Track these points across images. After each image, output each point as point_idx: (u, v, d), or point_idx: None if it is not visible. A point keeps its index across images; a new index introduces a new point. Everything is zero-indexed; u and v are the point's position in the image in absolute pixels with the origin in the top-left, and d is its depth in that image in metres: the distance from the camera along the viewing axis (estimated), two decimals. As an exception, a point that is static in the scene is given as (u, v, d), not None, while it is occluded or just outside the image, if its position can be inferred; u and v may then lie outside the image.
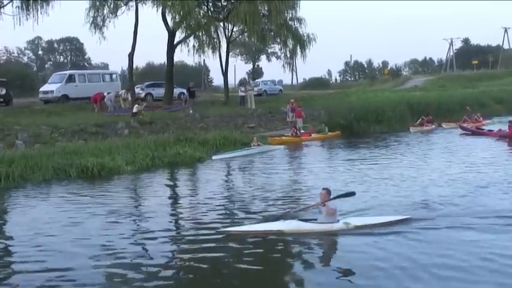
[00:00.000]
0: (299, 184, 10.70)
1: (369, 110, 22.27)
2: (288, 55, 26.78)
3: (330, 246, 6.76)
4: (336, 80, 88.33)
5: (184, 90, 24.81)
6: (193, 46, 24.11)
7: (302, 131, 19.58)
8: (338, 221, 7.08)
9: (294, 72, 50.26)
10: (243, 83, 29.39)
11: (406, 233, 6.91)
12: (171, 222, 8.20)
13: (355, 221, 7.16)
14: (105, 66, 66.70)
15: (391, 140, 19.36)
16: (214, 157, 14.83)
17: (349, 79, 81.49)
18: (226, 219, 8.02)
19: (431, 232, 6.95)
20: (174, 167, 14.14)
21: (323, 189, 7.24)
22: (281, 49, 27.91)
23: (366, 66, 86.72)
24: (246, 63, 62.49)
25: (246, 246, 6.65)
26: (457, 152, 14.69)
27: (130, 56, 24.81)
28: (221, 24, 26.38)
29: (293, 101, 22.34)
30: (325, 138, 20.18)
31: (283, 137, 19.44)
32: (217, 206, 9.03)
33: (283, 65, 27.65)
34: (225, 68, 28.54)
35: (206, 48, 23.65)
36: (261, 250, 6.53)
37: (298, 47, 26.26)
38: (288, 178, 11.46)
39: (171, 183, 11.78)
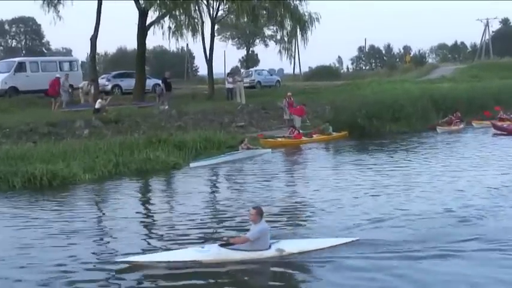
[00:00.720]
0: (286, 199, 10.70)
1: (384, 106, 22.33)
2: (286, 39, 26.85)
3: (256, 279, 6.51)
4: (347, 68, 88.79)
5: (160, 82, 24.84)
6: (169, 28, 24.10)
7: (297, 132, 19.65)
8: (270, 246, 6.86)
9: (293, 59, 50.42)
10: (232, 72, 29.44)
11: (352, 259, 6.87)
12: (118, 243, 8.06)
13: (291, 246, 6.95)
14: (68, 52, 66.52)
15: (411, 141, 19.41)
16: (192, 164, 14.82)
17: (364, 68, 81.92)
18: (183, 241, 7.88)
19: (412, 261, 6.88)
20: (143, 176, 14.11)
21: (253, 208, 6.96)
22: (277, 31, 27.96)
23: (384, 52, 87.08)
24: (238, 48, 62.62)
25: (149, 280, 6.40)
26: (491, 157, 15.00)
27: (93, 39, 24.75)
28: (203, 1, 26.45)
29: (290, 95, 22.38)
30: (330, 140, 20.27)
31: (279, 139, 19.48)
32: (181, 225, 8.99)
33: (280, 51, 27.70)
34: (209, 54, 28.46)
35: (185, 30, 23.62)
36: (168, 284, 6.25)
37: (298, 29, 26.29)
38: (276, 191, 11.47)
39: (135, 197, 11.64)
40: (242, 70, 40.17)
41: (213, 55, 28.35)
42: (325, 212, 9.53)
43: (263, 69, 41.23)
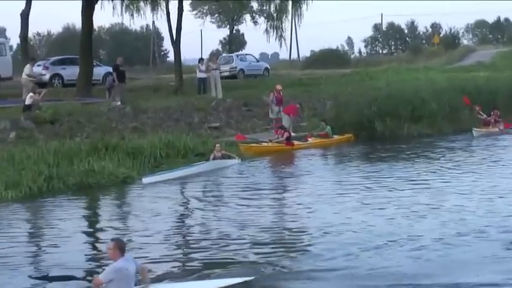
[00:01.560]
0: (268, 226, 10.72)
1: (401, 100, 22.54)
2: (274, 14, 26.94)
3: None
4: (359, 52, 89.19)
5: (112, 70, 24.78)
6: (122, 0, 24.07)
7: (287, 135, 19.76)
8: None
9: (284, 41, 50.05)
10: (211, 56, 29.36)
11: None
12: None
13: None
14: (1, 31, 66.30)
15: (436, 147, 19.54)
16: (145, 180, 14.82)
17: (380, 51, 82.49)
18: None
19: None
20: (83, 193, 14.09)
21: (111, 240, 6.97)
22: (262, 5, 28.02)
23: (406, 31, 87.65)
24: (219, 27, 62.71)
25: None
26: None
27: (24, 15, 24.64)
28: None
29: (280, 89, 22.47)
30: (330, 145, 20.43)
31: (264, 144, 19.60)
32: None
33: (267, 29, 27.75)
34: (176, 34, 28.46)
35: (142, 3, 23.62)
36: None
37: (290, 2, 26.40)
38: (249, 216, 11.47)
39: (67, 222, 11.43)
40: (225, 55, 40.18)
41: (184, 35, 28.51)
42: (306, 241, 9.71)
43: (247, 54, 41.37)
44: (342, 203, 12.08)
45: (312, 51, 65.70)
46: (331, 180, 14.74)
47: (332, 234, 9.85)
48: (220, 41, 72.60)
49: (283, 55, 72.39)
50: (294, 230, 10.43)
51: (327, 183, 14.32)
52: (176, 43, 28.48)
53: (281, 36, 28.20)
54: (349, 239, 9.54)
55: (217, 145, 17.17)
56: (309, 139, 20.58)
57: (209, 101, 24.28)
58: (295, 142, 20.04)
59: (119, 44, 67.05)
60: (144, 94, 26.26)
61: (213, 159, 16.83)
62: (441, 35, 68.87)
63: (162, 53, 72.73)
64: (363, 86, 27.24)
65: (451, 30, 74.23)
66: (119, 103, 22.25)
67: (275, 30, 27.64)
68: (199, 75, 26.52)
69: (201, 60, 27.43)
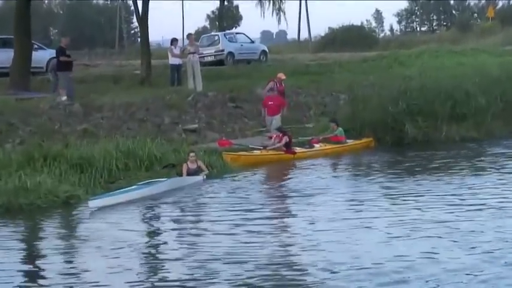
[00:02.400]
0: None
1: (438, 94, 22.58)
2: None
3: None
4: (391, 30, 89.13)
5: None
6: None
7: (278, 144, 19.82)
8: None
9: (282, 15, 49.47)
10: (190, 35, 29.16)
11: None
12: None
13: None
14: None
15: (484, 155, 19.62)
16: (92, 203, 14.68)
17: (418, 29, 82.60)
18: None
19: None
20: (9, 218, 13.97)
21: None
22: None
23: (452, 2, 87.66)
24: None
25: None
26: None
27: None
28: None
29: (283, 78, 22.56)
30: (343, 152, 20.64)
31: (256, 152, 19.75)
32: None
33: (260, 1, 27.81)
34: (142, 4, 28.56)
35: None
36: None
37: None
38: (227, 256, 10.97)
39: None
40: (207, 34, 40.18)
41: (165, 13, 29.16)
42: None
43: (238, 33, 41.46)
44: (361, 232, 11.87)
45: (329, 28, 65.86)
46: (346, 201, 14.43)
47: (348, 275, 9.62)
48: (208, 16, 72.67)
49: (292, 34, 72.73)
50: (300, 268, 10.13)
51: (340, 205, 14.02)
52: (143, 18, 28.44)
53: (279, 9, 28.16)
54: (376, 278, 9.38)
55: (191, 154, 17.31)
56: (316, 145, 20.68)
57: (185, 95, 24.33)
58: (298, 149, 20.11)
59: (76, 20, 67.29)
60: (100, 86, 26.37)
61: (187, 172, 17.00)
62: (497, 7, 68.84)
63: (132, 31, 72.88)
64: (389, 74, 27.38)
65: (510, 1, 74.31)
66: (64, 98, 22.15)
67: (271, 2, 27.70)
68: (172, 61, 26.54)
69: (174, 41, 27.35)
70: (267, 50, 40.51)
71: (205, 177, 17.25)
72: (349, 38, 57.44)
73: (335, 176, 17.95)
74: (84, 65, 35.42)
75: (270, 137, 20.39)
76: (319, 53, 50.49)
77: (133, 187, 15.87)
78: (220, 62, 36.28)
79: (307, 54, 48.75)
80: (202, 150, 18.50)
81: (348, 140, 21.11)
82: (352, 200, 14.57)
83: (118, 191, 15.58)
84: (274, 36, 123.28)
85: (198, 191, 16.36)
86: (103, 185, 16.21)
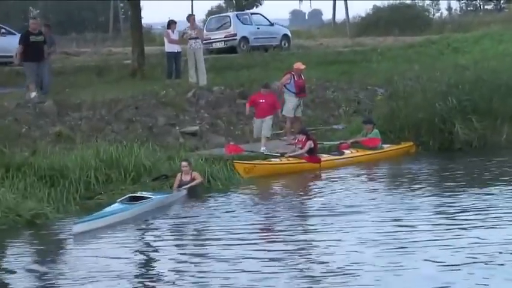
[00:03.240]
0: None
1: (497, 88, 22.51)
2: None
3: None
4: (448, 9, 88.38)
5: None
6: None
7: (299, 150, 19.79)
8: None
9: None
10: (191, 16, 29.01)
11: None
12: None
13: None
14: None
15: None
16: (76, 228, 14.56)
17: (481, 7, 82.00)
18: None
19: None
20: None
21: None
22: None
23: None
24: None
25: None
26: None
27: None
28: None
29: (301, 68, 22.24)
30: (379, 159, 20.73)
31: (274, 160, 19.79)
32: None
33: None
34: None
35: None
36: None
37: None
38: None
39: None
40: (215, 16, 40.10)
41: None
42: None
43: (254, 13, 41.28)
44: (406, 260, 11.69)
45: (374, 6, 65.64)
46: (386, 222, 14.12)
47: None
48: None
49: (330, 15, 72.57)
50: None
51: (380, 227, 13.68)
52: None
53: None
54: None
55: (183, 163, 17.41)
56: (345, 151, 20.68)
57: (184, 90, 24.35)
58: (324, 156, 20.13)
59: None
60: (80, 79, 26.41)
61: (179, 185, 17.09)
62: None
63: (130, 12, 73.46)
64: (439, 63, 27.20)
65: None
66: (33, 95, 22.09)
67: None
68: (169, 48, 26.38)
69: (171, 23, 27.22)
70: (290, 35, 40.24)
71: (184, 192, 17.29)
72: (396, 19, 57.12)
73: (371, 190, 17.60)
74: (63, 53, 35.35)
75: (294, 141, 20.41)
76: (359, 37, 50.24)
77: (117, 207, 15.79)
78: (231, 49, 36.18)
79: (345, 39, 48.52)
80: (201, 158, 18.48)
81: (384, 145, 21.08)
82: (394, 220, 14.29)
83: (104, 211, 15.49)
84: (306, 17, 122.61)
85: (211, 204, 16.52)
86: (78, 202, 16.23)
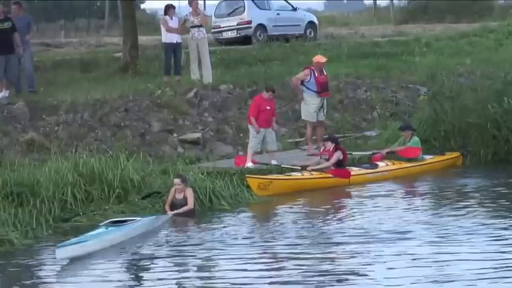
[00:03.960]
0: None
1: None
2: None
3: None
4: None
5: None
6: None
7: (324, 162, 19.73)
8: None
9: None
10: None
11: None
12: None
13: None
14: None
15: None
16: (60, 254, 14.47)
17: None
18: None
19: None
20: None
21: None
22: None
23: None
24: None
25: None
26: None
27: None
28: None
29: (322, 62, 22.01)
30: (416, 174, 20.70)
31: (295, 174, 19.74)
32: None
33: None
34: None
35: None
36: None
37: None
38: None
39: None
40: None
41: None
42: None
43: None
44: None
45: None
46: (436, 252, 13.90)
47: None
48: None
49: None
50: None
51: (428, 258, 13.46)
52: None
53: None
54: None
55: (175, 180, 17.39)
56: (379, 163, 20.68)
57: (185, 90, 24.40)
58: (354, 170, 20.13)
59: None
60: (60, 76, 26.57)
61: (171, 205, 17.31)
62: None
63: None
64: (495, 56, 27.09)
65: None
66: (0, 95, 22.07)
67: None
68: (167, 38, 26.17)
69: (169, 8, 27.06)
70: (317, 22, 39.98)
71: (169, 215, 17.27)
72: (450, 2, 56.91)
73: (410, 211, 17.45)
74: (43, 45, 35.35)
75: (318, 151, 20.42)
76: (404, 24, 50.11)
77: (103, 230, 15.70)
78: (246, 40, 36.17)
79: (387, 27, 48.37)
80: (203, 172, 18.40)
81: (425, 156, 20.99)
82: (445, 252, 13.91)
83: (89, 234, 15.36)
84: (345, 0, 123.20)
85: (179, 236, 16.25)
86: (51, 225, 16.21)
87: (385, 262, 13.32)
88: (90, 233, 15.41)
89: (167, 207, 17.30)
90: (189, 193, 17.35)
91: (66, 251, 14.37)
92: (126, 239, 15.74)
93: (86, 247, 14.89)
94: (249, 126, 20.49)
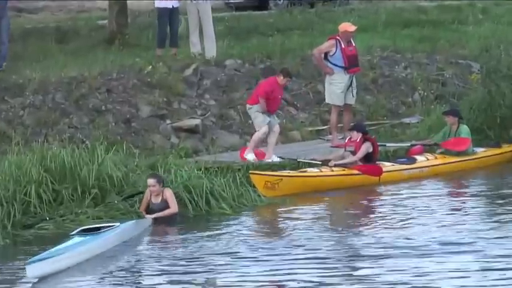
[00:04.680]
0: None
1: None
2: None
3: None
4: None
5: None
6: None
7: (351, 156, 19.73)
8: None
9: None
10: None
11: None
12: None
13: None
14: None
15: None
16: (31, 271, 14.43)
17: None
18: None
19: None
20: None
21: None
22: None
23: None
24: None
25: None
26: None
27: None
28: None
29: (350, 31, 21.93)
30: (465, 169, 20.67)
31: (314, 170, 19.66)
32: None
33: None
34: None
35: None
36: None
37: None
38: None
39: None
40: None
41: None
42: None
43: None
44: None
45: None
46: (497, 268, 13.69)
47: None
48: None
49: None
50: None
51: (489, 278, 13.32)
52: None
53: None
54: None
55: (150, 181, 17.53)
56: (419, 157, 20.63)
57: (182, 66, 24.40)
58: (387, 165, 20.09)
59: None
60: (32, 48, 26.67)
61: (147, 210, 17.52)
62: None
63: None
64: None
65: None
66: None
67: None
68: (161, 1, 26.14)
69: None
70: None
71: (150, 223, 17.36)
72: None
73: (459, 216, 17.42)
74: (15, 9, 35.28)
75: (342, 142, 20.43)
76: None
77: (79, 240, 15.67)
78: (261, 4, 36.38)
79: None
80: (200, 168, 18.33)
81: (476, 149, 20.94)
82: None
83: (63, 246, 15.31)
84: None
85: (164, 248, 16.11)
86: (9, 232, 16.19)
87: (431, 280, 13.12)
88: (64, 245, 15.36)
89: (143, 211, 17.35)
90: (169, 194, 17.46)
91: (39, 268, 14.38)
92: (104, 250, 15.73)
93: (61, 261, 14.91)
94: (252, 106, 20.54)
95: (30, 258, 14.51)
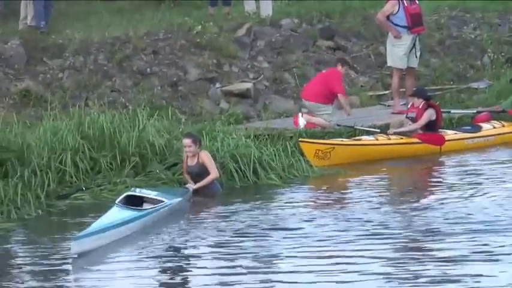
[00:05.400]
0: None
1: None
2: None
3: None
4: None
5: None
6: None
7: (410, 123, 19.69)
8: None
9: None
10: None
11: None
12: None
13: None
14: None
15: None
16: (76, 247, 14.48)
17: None
18: None
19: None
20: None
21: None
22: None
23: None
24: None
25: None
26: None
27: None
28: None
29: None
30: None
31: (369, 138, 19.67)
32: None
33: None
34: None
35: None
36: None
37: None
38: None
39: None
40: None
41: None
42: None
43: None
44: None
45: None
46: None
47: None
48: None
49: None
50: None
51: None
52: None
53: None
54: None
55: (186, 141, 17.45)
56: (484, 125, 20.57)
57: (234, 26, 24.32)
58: (449, 134, 20.04)
59: None
60: (74, 7, 26.76)
61: (187, 173, 17.62)
62: None
63: None
64: None
65: None
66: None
67: None
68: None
69: None
70: None
71: (190, 191, 17.26)
72: None
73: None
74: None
75: (403, 109, 20.44)
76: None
77: (121, 214, 15.62)
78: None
79: None
80: (249, 136, 18.24)
81: None
82: None
83: (105, 221, 15.24)
84: None
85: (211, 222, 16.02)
86: (42, 202, 16.17)
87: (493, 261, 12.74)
88: (109, 218, 15.42)
89: (185, 174, 17.37)
90: (206, 156, 17.42)
91: (83, 244, 14.49)
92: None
93: (106, 238, 15.07)
94: (324, 105, 20.40)
95: (66, 231, 14.86)
